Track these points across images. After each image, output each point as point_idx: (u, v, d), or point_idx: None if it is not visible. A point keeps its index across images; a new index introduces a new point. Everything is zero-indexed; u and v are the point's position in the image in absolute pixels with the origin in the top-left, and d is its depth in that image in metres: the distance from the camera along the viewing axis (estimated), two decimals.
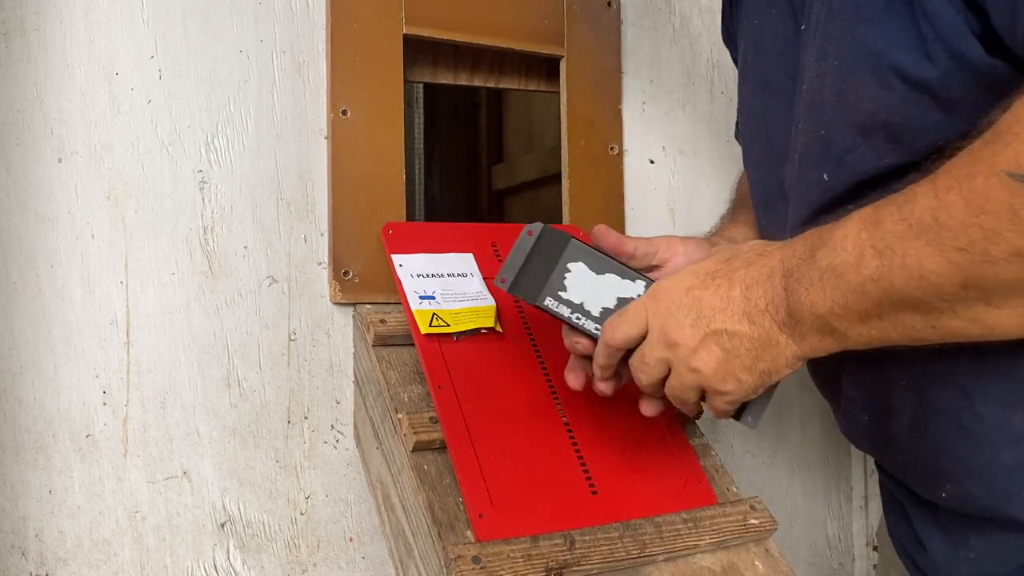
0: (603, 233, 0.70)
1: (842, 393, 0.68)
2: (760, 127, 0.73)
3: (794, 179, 0.64)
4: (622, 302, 0.65)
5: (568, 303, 0.66)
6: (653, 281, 0.65)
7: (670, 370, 0.62)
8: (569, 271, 0.66)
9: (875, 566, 1.20)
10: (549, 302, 0.66)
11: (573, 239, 0.67)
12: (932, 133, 0.54)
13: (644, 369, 0.62)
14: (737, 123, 0.93)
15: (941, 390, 0.59)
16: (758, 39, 0.72)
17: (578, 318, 0.66)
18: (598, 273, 0.66)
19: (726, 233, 0.81)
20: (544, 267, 0.67)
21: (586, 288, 0.66)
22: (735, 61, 0.87)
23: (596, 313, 0.66)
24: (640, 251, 0.71)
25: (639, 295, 0.65)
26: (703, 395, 0.62)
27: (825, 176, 0.60)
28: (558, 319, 0.67)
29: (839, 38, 0.57)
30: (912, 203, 0.50)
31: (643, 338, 0.62)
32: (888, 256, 0.50)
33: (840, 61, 0.57)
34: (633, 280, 0.66)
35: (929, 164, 0.51)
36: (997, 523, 0.61)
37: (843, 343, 0.56)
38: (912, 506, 0.69)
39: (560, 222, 0.98)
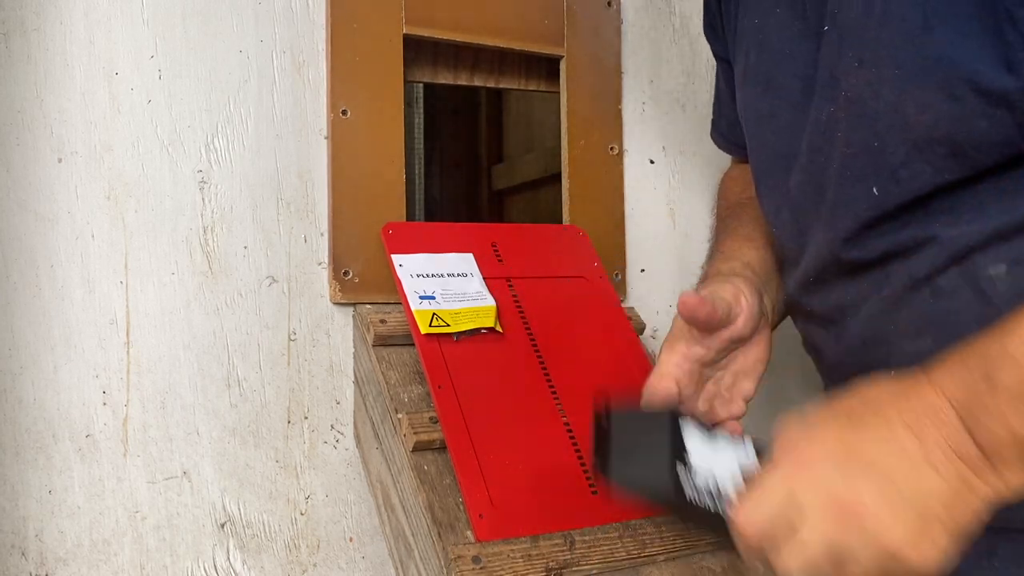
0: (695, 305, 0.60)
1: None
2: (765, 131, 0.70)
3: (832, 191, 0.60)
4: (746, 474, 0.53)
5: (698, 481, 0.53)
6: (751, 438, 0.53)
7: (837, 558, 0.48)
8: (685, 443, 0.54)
9: None
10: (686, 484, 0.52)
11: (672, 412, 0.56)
12: (1000, 148, 0.51)
13: (803, 560, 0.48)
14: (714, 122, 0.91)
15: None
16: (760, 38, 0.69)
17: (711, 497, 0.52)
18: (709, 439, 0.55)
19: (740, 255, 0.73)
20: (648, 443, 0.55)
21: (706, 461, 0.54)
22: (717, 55, 0.85)
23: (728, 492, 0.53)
24: (724, 311, 0.63)
25: (754, 460, 0.53)
26: None
27: (875, 190, 0.56)
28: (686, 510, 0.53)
29: (898, 46, 0.53)
30: None
31: (786, 519, 0.48)
32: None
33: (901, 71, 0.53)
34: (739, 444, 0.54)
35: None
36: None
37: None
38: None
39: (560, 222, 0.98)
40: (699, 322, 0.62)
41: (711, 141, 0.94)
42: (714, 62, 1.07)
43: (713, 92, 0.93)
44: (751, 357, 0.69)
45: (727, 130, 0.88)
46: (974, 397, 0.46)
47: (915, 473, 0.46)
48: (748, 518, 0.49)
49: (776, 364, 1.14)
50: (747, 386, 0.69)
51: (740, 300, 0.65)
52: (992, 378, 0.45)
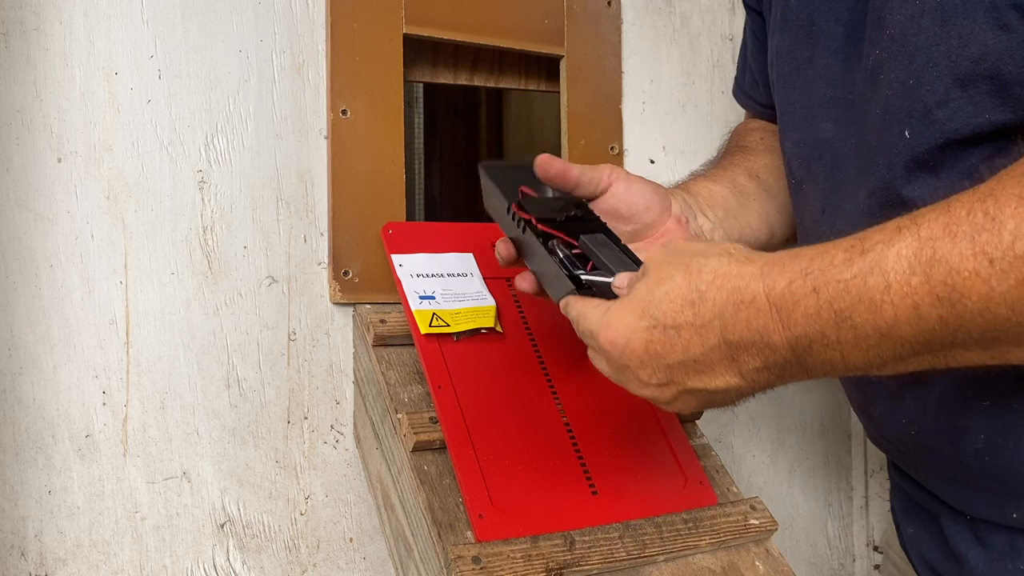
0: (547, 162, 0.65)
1: (898, 409, 0.62)
2: (800, 80, 0.66)
3: (872, 138, 0.57)
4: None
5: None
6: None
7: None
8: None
9: (877, 566, 1.20)
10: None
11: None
12: None
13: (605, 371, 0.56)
14: (737, 78, 0.88)
15: None
16: None
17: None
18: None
19: (687, 186, 0.75)
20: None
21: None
22: (747, 5, 0.82)
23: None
24: (585, 178, 0.66)
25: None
26: None
27: (907, 133, 0.52)
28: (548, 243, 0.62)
29: None
30: (991, 231, 0.40)
31: (590, 334, 0.56)
32: (960, 305, 0.41)
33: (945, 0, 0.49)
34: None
35: None
36: None
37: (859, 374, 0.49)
38: (950, 522, 0.64)
39: None
40: (550, 178, 0.65)
41: (711, 141, 0.94)
42: (714, 62, 1.07)
43: (712, 92, 0.93)
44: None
45: (749, 86, 0.86)
46: (817, 336, 0.46)
47: (715, 380, 0.50)
48: (575, 308, 0.56)
49: None
50: None
51: (612, 177, 0.66)
52: (842, 316, 0.44)
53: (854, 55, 0.60)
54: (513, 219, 0.64)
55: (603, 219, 0.66)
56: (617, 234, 0.64)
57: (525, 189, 0.67)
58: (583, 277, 0.59)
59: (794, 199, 0.71)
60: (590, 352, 0.58)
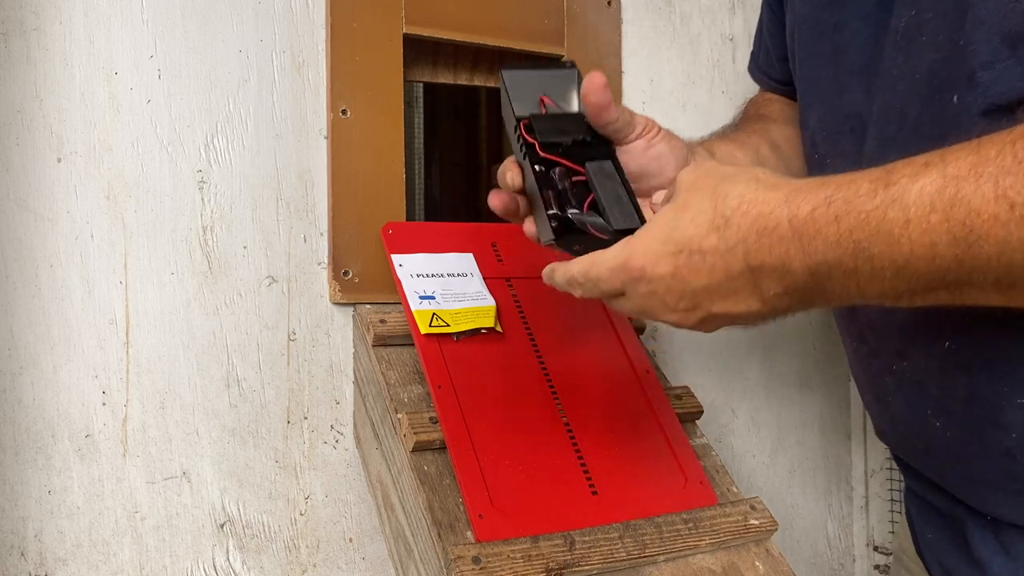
0: (595, 89, 0.60)
1: (921, 400, 0.60)
2: (826, 48, 0.63)
3: (912, 108, 0.54)
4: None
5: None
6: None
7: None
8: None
9: (877, 567, 1.20)
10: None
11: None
12: None
13: (596, 292, 0.55)
14: (754, 54, 0.86)
15: None
16: None
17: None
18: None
19: (709, 144, 0.72)
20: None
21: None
22: None
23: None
24: (621, 122, 0.62)
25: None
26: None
27: (955, 99, 0.50)
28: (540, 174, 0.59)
29: None
30: (1016, 174, 0.39)
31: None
32: (976, 248, 0.41)
33: None
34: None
35: None
36: None
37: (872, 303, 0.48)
38: (972, 526, 0.61)
39: None
40: (589, 103, 0.61)
41: None
42: (714, 62, 1.06)
43: (712, 92, 0.92)
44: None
45: (764, 61, 0.83)
46: (836, 265, 0.46)
47: (733, 304, 0.50)
48: (583, 277, 0.55)
49: (779, 351, 1.14)
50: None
51: (641, 132, 0.64)
52: (861, 246, 0.44)
53: (883, 19, 0.57)
54: (518, 140, 0.61)
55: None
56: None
57: (545, 99, 0.63)
58: (571, 213, 0.57)
59: (814, 174, 0.66)
60: (606, 296, 0.56)
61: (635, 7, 1.04)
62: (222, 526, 0.81)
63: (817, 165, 0.68)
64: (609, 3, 1.01)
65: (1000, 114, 0.48)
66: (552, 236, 0.57)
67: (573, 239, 0.57)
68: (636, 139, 0.64)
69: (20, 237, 0.75)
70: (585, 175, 0.59)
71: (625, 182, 0.60)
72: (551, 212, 0.57)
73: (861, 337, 0.65)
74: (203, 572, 0.80)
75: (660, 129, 0.65)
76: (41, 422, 0.75)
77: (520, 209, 0.64)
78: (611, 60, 1.01)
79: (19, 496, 0.74)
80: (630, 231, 0.55)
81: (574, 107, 0.64)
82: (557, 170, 0.59)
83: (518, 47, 0.95)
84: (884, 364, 0.62)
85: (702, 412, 0.83)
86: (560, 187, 0.59)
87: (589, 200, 0.59)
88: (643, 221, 0.57)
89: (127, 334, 0.78)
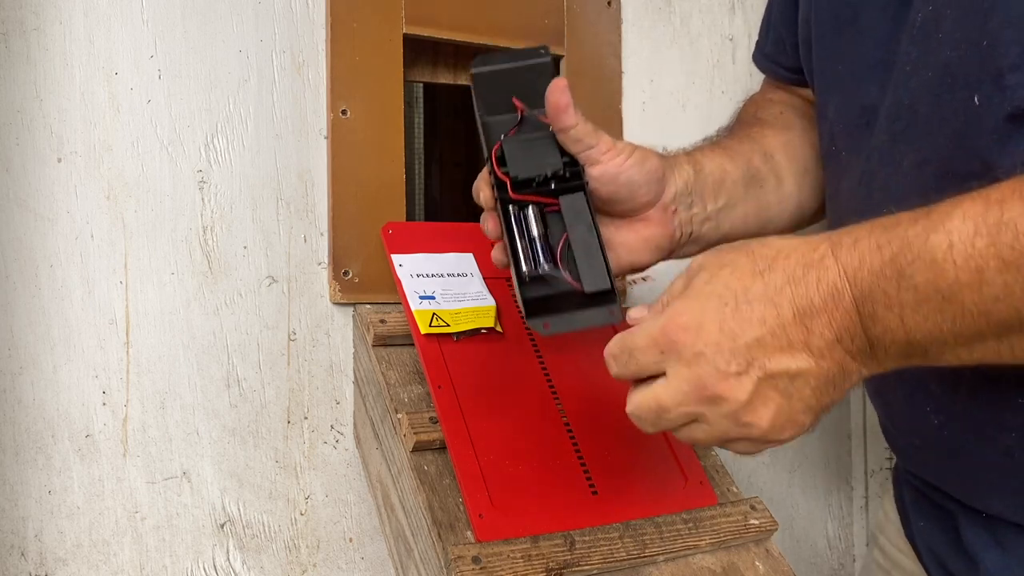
0: (556, 99, 0.57)
1: (921, 396, 0.59)
2: (843, 38, 0.62)
3: (923, 105, 0.53)
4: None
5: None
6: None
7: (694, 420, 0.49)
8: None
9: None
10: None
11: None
12: None
13: (661, 422, 0.50)
14: (759, 43, 0.84)
15: None
16: None
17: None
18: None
19: (696, 156, 0.69)
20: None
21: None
22: None
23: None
24: (580, 132, 0.58)
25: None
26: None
27: (976, 100, 0.48)
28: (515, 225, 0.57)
29: None
30: None
31: (652, 361, 0.49)
32: (1021, 267, 0.39)
33: None
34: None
35: None
36: None
37: (925, 362, 0.46)
38: (966, 522, 0.61)
39: None
40: (551, 106, 0.58)
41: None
42: (714, 62, 1.06)
43: (712, 92, 0.92)
44: (639, 234, 0.65)
45: (774, 48, 0.81)
46: (877, 290, 0.44)
47: (792, 359, 0.45)
48: (615, 363, 0.50)
49: None
50: (625, 259, 0.65)
51: (608, 156, 0.60)
52: (903, 273, 0.43)
53: (902, 12, 0.56)
54: (491, 173, 0.59)
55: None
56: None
57: (517, 102, 0.60)
58: (544, 268, 0.56)
59: (829, 168, 0.67)
60: (643, 371, 0.51)
61: (635, 7, 1.04)
62: (222, 526, 0.81)
63: (832, 158, 0.66)
64: (609, 3, 1.01)
65: (1022, 119, 0.47)
66: (522, 313, 0.56)
67: (544, 305, 0.56)
68: (604, 160, 0.60)
69: (20, 237, 0.75)
70: (559, 207, 0.58)
71: (595, 221, 0.59)
72: (521, 286, 0.56)
73: None
74: (203, 572, 0.80)
75: (631, 152, 0.61)
76: (41, 422, 0.75)
77: None
78: (611, 60, 1.01)
79: (19, 496, 0.74)
80: (604, 293, 0.55)
81: (542, 103, 0.61)
82: (531, 210, 0.58)
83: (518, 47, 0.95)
84: (905, 393, 0.62)
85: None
86: (533, 234, 0.58)
87: (564, 239, 0.58)
88: (612, 278, 0.56)
89: (127, 334, 0.78)
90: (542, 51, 0.61)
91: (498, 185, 0.59)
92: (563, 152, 0.60)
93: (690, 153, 0.69)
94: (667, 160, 0.66)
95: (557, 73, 0.63)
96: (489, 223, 0.60)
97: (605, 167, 0.60)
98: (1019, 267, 0.39)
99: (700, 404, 0.48)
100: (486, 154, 0.60)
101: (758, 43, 0.85)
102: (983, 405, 0.55)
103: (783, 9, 0.77)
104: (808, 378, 0.46)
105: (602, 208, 0.63)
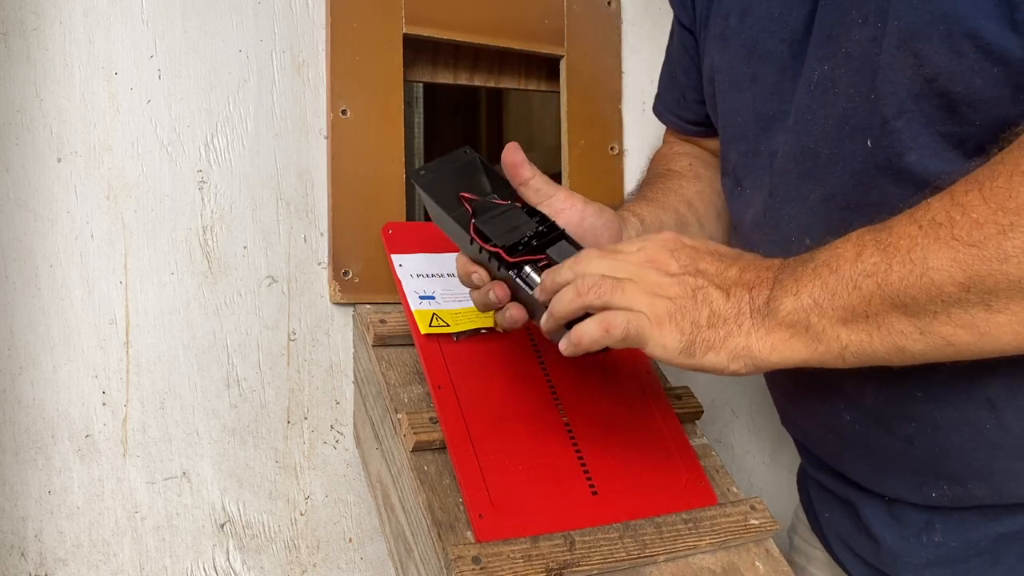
0: (510, 149, 0.66)
1: (836, 397, 0.67)
2: (744, 95, 0.70)
3: (826, 148, 0.62)
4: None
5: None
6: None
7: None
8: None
9: None
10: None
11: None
12: (991, 109, 0.52)
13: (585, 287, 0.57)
14: (660, 95, 0.91)
15: (965, 402, 0.58)
16: (745, 5, 0.70)
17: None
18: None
19: (636, 210, 0.77)
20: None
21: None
22: (681, 20, 0.83)
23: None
24: (538, 183, 0.67)
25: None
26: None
27: (869, 143, 0.58)
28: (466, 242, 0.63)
29: (904, 1, 0.54)
30: (925, 208, 0.49)
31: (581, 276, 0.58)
32: (891, 252, 0.49)
33: (903, 23, 0.54)
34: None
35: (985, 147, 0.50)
36: (970, 508, 0.62)
37: (809, 350, 0.54)
38: (865, 505, 0.70)
39: None
40: (507, 165, 0.66)
41: None
42: None
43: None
44: None
45: (675, 103, 0.88)
46: (791, 265, 0.55)
47: (716, 279, 0.56)
48: (552, 276, 0.58)
49: None
50: None
51: (566, 205, 0.68)
52: (812, 256, 0.54)
53: (798, 70, 0.64)
54: (480, 252, 0.64)
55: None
56: None
57: (466, 195, 0.67)
58: None
59: (734, 203, 0.75)
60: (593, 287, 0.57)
61: (635, 7, 1.04)
62: (222, 526, 0.81)
63: (735, 194, 0.74)
64: (609, 3, 1.01)
65: (912, 155, 0.56)
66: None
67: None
68: (567, 208, 0.68)
69: (20, 237, 0.75)
70: (548, 260, 0.63)
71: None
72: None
73: None
74: (203, 572, 0.80)
75: (588, 202, 0.69)
76: (41, 422, 0.75)
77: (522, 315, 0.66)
78: (611, 60, 1.01)
79: (19, 496, 0.74)
80: None
81: (487, 189, 0.69)
82: (528, 268, 0.62)
83: (518, 47, 0.95)
84: (803, 368, 0.68)
85: (702, 412, 0.83)
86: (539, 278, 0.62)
87: None
88: None
89: (127, 334, 0.78)
90: (466, 151, 0.69)
91: (492, 257, 0.63)
92: (530, 214, 0.65)
93: (629, 208, 0.77)
94: (618, 213, 0.74)
95: (484, 164, 0.70)
96: (497, 291, 0.64)
97: (569, 215, 0.67)
98: (886, 250, 0.50)
99: (638, 267, 0.57)
100: (463, 240, 0.65)
101: (659, 95, 0.92)
102: (888, 400, 0.62)
103: (688, 68, 0.84)
104: (713, 303, 0.55)
105: None
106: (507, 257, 0.62)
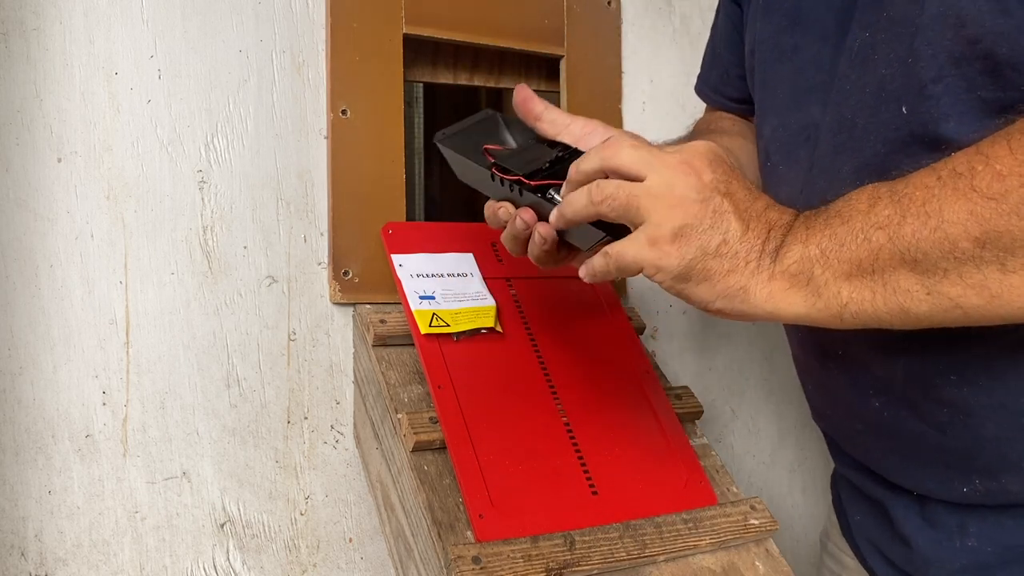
0: (519, 88, 0.64)
1: (864, 380, 0.64)
2: (785, 67, 0.68)
3: (863, 117, 0.59)
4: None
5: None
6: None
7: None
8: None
9: None
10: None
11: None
12: None
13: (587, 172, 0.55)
14: (703, 75, 0.89)
15: (1000, 387, 0.56)
16: None
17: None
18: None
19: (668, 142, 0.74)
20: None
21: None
22: None
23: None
24: (552, 115, 0.64)
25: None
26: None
27: (904, 109, 0.55)
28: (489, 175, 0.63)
29: None
30: (948, 160, 0.46)
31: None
32: (905, 204, 0.47)
33: None
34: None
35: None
36: (1006, 510, 0.59)
37: (807, 304, 0.50)
38: (896, 505, 0.67)
39: None
40: (518, 104, 0.64)
41: None
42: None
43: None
44: None
45: (719, 80, 0.86)
46: (807, 216, 0.52)
47: (740, 206, 0.53)
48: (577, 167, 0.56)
49: (779, 351, 1.13)
50: None
51: (582, 121, 0.64)
52: (828, 207, 0.52)
53: (841, 40, 0.61)
54: (503, 184, 0.62)
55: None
56: None
57: (489, 147, 0.65)
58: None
59: (768, 180, 0.72)
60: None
61: (635, 7, 1.04)
62: (222, 526, 0.81)
63: (769, 172, 0.71)
64: (609, 3, 1.01)
65: (949, 123, 0.53)
66: (598, 240, 0.58)
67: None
68: (586, 137, 0.64)
69: (20, 237, 0.75)
70: None
71: None
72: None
73: (808, 328, 0.67)
74: (203, 572, 0.80)
75: (608, 128, 0.65)
76: (41, 422, 0.75)
77: (558, 250, 0.63)
78: (611, 60, 1.01)
79: (19, 496, 0.74)
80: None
81: (511, 144, 0.68)
82: (551, 191, 0.61)
83: (518, 47, 0.95)
84: (830, 350, 0.65)
85: (702, 412, 0.83)
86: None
87: None
88: None
89: (127, 334, 0.78)
90: (487, 111, 0.68)
91: (514, 186, 0.62)
92: (551, 146, 0.64)
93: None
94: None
95: (505, 120, 0.69)
96: (524, 215, 0.61)
97: (589, 140, 0.63)
98: (900, 202, 0.47)
99: (632, 188, 0.53)
100: (487, 182, 0.64)
101: (701, 75, 0.90)
102: (919, 384, 0.59)
103: (731, 42, 0.82)
104: (730, 228, 0.52)
105: None
106: (528, 182, 0.61)
